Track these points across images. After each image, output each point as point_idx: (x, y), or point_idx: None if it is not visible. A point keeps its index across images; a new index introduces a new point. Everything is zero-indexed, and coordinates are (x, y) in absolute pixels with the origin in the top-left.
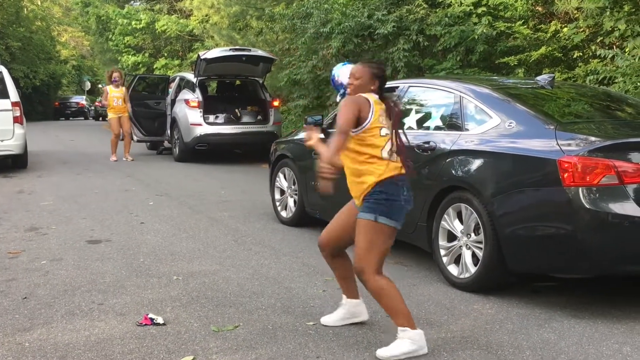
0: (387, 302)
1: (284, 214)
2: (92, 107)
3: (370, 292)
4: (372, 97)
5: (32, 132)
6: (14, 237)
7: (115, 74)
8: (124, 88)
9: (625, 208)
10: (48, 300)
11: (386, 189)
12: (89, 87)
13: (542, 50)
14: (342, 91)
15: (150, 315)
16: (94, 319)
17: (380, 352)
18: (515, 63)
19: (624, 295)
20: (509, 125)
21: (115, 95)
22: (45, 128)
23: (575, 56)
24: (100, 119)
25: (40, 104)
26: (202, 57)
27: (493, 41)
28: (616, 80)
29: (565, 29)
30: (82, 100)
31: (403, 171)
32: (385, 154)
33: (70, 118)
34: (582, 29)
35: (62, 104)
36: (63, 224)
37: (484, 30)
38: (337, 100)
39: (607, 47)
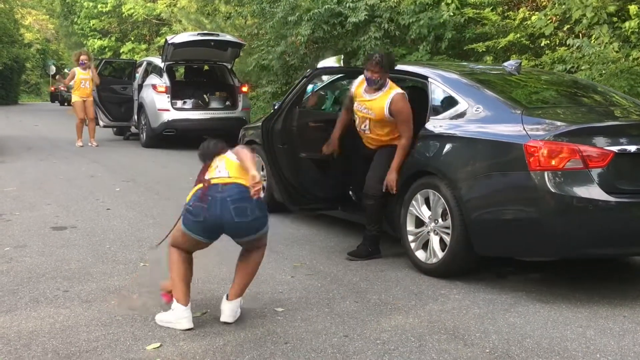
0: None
1: None
2: (57, 91)
3: None
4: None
5: None
6: None
7: (82, 56)
8: (91, 70)
9: (590, 192)
10: (12, 288)
11: None
12: (54, 71)
13: (510, 37)
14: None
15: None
16: (59, 306)
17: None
18: (484, 50)
19: (588, 279)
20: (476, 110)
21: (83, 78)
22: (8, 113)
23: (542, 44)
24: (66, 104)
25: (3, 88)
26: (169, 42)
27: (461, 28)
28: (582, 68)
29: (533, 17)
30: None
31: None
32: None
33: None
34: (549, 18)
35: (57, 89)
36: (27, 210)
37: (452, 13)
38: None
39: (574, 35)
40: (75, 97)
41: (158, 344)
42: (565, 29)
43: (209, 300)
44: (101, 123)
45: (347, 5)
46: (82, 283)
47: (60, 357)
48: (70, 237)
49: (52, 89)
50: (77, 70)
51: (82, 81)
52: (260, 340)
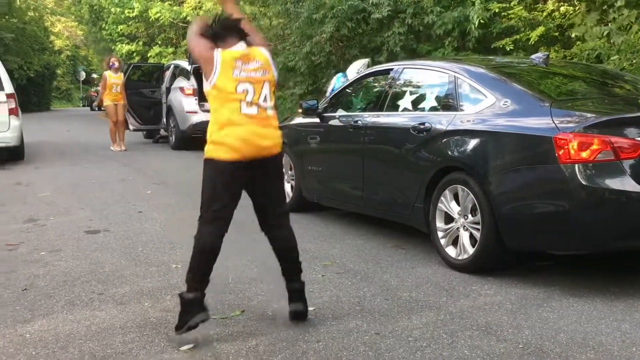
0: None
1: None
2: (85, 96)
3: None
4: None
5: (27, 124)
6: (13, 229)
7: (113, 59)
8: (122, 74)
9: (622, 184)
10: (48, 291)
11: None
12: (84, 77)
13: (539, 30)
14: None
15: None
16: (95, 308)
17: None
18: (511, 47)
19: (621, 272)
20: (504, 104)
21: (114, 82)
22: (41, 119)
23: (573, 35)
24: (96, 108)
25: (35, 95)
26: None
27: (487, 22)
28: (612, 58)
29: (562, 8)
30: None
31: None
32: None
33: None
34: (578, 7)
35: (96, 92)
36: (61, 215)
37: (479, 14)
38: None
39: (603, 24)
40: (107, 101)
41: (192, 345)
42: (593, 15)
43: (241, 300)
44: (131, 127)
45: (371, 1)
46: (116, 286)
47: (96, 359)
48: (104, 240)
49: (93, 93)
50: (108, 73)
51: (113, 85)
52: (292, 339)
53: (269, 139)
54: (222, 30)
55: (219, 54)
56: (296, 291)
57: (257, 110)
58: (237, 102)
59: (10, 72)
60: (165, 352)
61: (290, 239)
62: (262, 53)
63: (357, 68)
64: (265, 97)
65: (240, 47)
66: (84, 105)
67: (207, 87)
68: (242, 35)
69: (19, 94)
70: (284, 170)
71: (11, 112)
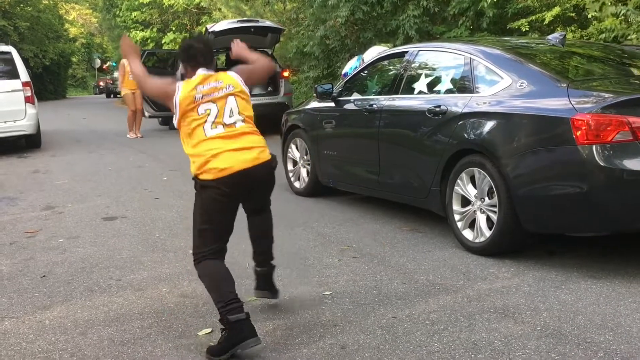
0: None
1: (297, 184)
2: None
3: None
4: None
5: (44, 112)
6: (31, 217)
7: None
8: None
9: None
10: (66, 278)
11: None
12: (99, 64)
13: (556, 10)
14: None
15: None
16: (113, 294)
17: None
18: (527, 28)
19: None
20: (520, 86)
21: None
22: (57, 107)
23: (590, 15)
24: (112, 96)
25: (51, 83)
26: (210, 30)
27: (503, 3)
28: (629, 38)
29: None
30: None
31: None
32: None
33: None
34: None
35: (113, 81)
36: (78, 202)
37: None
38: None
39: (621, 4)
40: (124, 90)
41: (209, 330)
42: None
43: None
44: (146, 114)
45: None
46: (134, 272)
47: (115, 344)
48: (121, 227)
49: (109, 80)
50: (125, 61)
51: (130, 73)
52: (309, 323)
53: (251, 150)
54: (185, 61)
55: (179, 89)
56: (263, 276)
57: (223, 129)
58: (200, 127)
59: (25, 61)
60: (183, 336)
61: (264, 223)
62: (227, 74)
63: (373, 55)
64: (231, 111)
65: (200, 72)
66: (95, 94)
67: (175, 122)
68: (207, 62)
69: (35, 83)
70: (300, 154)
71: (27, 100)
